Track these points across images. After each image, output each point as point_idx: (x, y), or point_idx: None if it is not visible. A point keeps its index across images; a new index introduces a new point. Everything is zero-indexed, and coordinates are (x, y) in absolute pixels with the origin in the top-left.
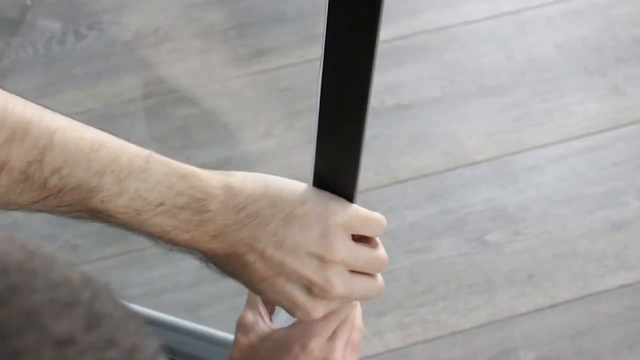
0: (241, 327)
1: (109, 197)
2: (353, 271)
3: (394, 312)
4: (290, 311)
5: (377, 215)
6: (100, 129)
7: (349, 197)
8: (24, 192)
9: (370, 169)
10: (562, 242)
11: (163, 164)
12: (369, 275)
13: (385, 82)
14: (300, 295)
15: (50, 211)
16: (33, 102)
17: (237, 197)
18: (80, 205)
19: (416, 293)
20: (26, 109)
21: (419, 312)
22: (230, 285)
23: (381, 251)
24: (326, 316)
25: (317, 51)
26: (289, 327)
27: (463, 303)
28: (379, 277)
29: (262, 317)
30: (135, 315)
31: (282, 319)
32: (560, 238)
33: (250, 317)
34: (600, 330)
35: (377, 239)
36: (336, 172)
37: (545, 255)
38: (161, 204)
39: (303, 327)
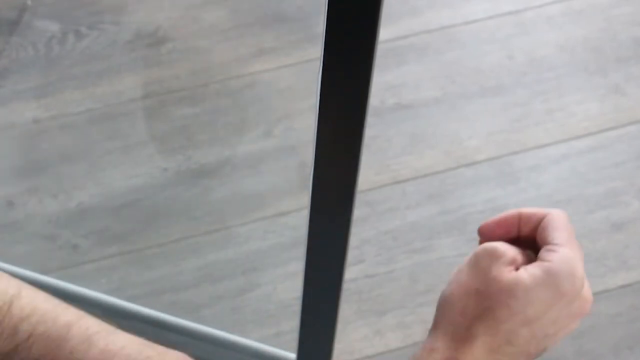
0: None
1: (78, 347)
2: None
3: (395, 312)
4: None
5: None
6: None
7: (349, 197)
8: None
9: (371, 168)
10: None
11: (133, 336)
12: None
13: (386, 81)
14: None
15: None
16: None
17: None
18: (49, 358)
19: (417, 293)
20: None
21: (419, 312)
22: (231, 286)
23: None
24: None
25: (317, 51)
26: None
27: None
28: None
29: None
30: None
31: None
32: None
33: (511, 251)
34: (601, 330)
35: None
36: (336, 172)
37: None
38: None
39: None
